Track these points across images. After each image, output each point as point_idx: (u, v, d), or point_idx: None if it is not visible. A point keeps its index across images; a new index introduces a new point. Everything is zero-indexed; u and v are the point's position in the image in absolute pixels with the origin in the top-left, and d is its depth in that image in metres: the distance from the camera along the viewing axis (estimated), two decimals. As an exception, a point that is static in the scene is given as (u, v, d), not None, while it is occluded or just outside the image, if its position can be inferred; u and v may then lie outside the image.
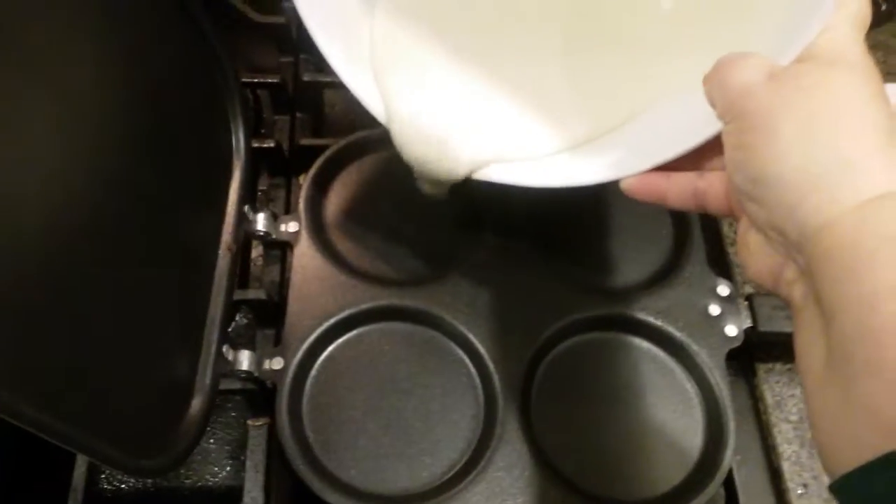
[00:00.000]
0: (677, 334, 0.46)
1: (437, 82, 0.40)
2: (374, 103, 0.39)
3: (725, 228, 0.53)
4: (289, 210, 0.54)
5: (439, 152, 0.38)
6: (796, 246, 0.25)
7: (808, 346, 0.25)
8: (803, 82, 0.26)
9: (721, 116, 0.29)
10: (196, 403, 0.40)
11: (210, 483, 0.48)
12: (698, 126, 0.32)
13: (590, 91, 0.40)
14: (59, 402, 0.29)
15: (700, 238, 0.49)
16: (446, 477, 0.42)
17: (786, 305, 0.28)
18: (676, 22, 0.39)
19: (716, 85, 0.29)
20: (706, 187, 0.32)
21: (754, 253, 0.28)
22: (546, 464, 0.42)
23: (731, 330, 0.46)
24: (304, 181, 0.50)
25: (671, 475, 0.43)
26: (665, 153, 0.34)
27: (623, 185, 0.34)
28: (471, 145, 0.38)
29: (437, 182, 0.39)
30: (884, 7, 0.58)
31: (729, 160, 0.28)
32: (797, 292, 0.26)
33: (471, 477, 0.41)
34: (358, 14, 0.41)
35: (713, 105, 0.29)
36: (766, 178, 0.26)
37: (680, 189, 0.33)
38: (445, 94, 0.39)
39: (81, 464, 0.44)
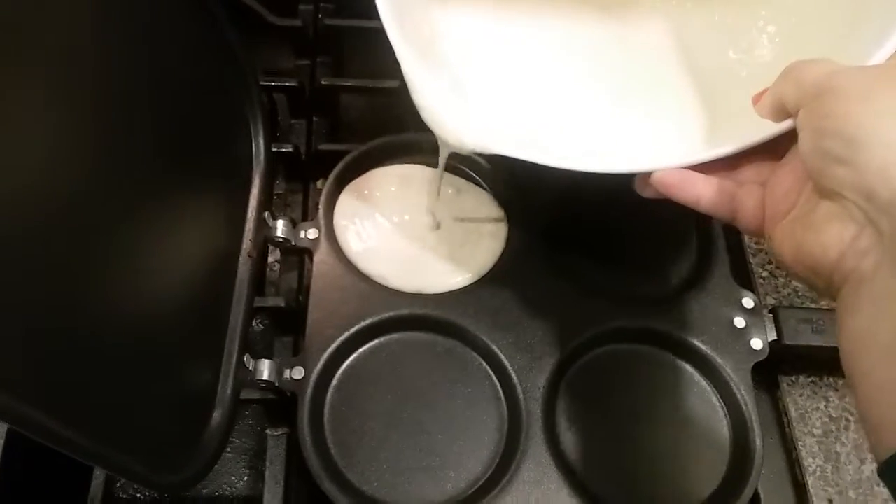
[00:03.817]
0: (702, 347, 0.45)
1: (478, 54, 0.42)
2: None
3: (747, 239, 0.52)
4: (305, 215, 0.53)
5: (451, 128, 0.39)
6: (885, 207, 0.25)
7: (875, 317, 0.25)
8: (890, 66, 0.28)
9: (797, 104, 0.29)
10: (217, 415, 0.40)
11: (227, 493, 0.47)
12: (741, 131, 0.32)
13: (632, 82, 0.41)
14: (82, 417, 0.29)
15: (724, 250, 0.49)
16: (470, 491, 0.42)
17: (830, 292, 0.28)
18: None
19: (791, 81, 0.29)
20: (744, 197, 0.32)
21: (820, 229, 0.28)
22: (572, 477, 0.42)
23: (757, 343, 0.45)
24: (324, 187, 0.50)
25: (698, 490, 0.42)
26: (706, 152, 0.33)
27: (655, 178, 0.34)
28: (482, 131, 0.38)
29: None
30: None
31: (814, 132, 0.28)
32: (868, 261, 0.26)
33: (495, 491, 0.41)
34: None
35: (783, 101, 0.30)
36: (861, 138, 0.26)
37: (716, 194, 0.33)
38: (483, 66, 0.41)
39: (99, 474, 0.44)
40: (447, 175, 0.51)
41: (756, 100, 0.32)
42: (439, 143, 0.40)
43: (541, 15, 0.44)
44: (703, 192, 0.33)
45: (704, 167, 0.34)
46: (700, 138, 0.38)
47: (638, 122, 0.40)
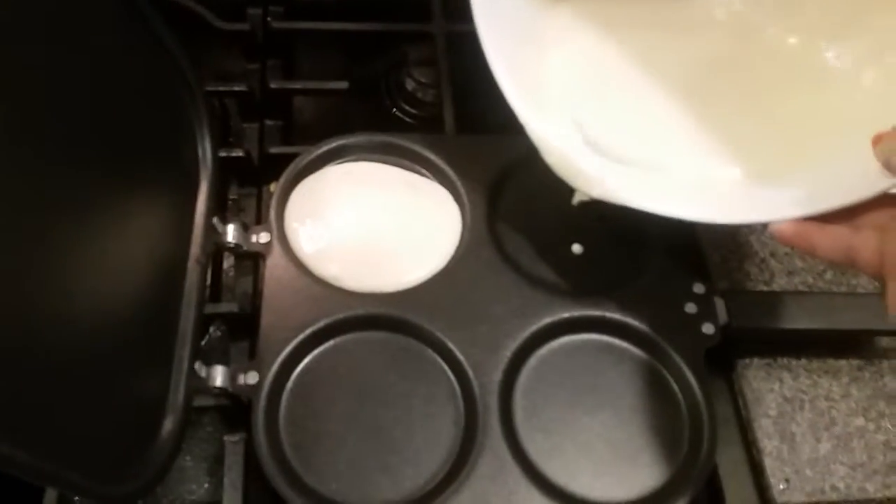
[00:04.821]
0: (655, 334, 0.46)
1: (613, 121, 0.44)
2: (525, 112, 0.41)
3: (698, 225, 0.53)
4: (260, 219, 0.53)
5: (578, 177, 0.41)
6: None
7: None
8: None
9: None
10: (168, 424, 0.39)
11: (188, 501, 0.47)
12: (861, 182, 0.33)
13: (752, 133, 0.42)
14: (20, 431, 0.28)
15: (675, 236, 0.49)
16: (429, 487, 0.42)
17: None
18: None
19: None
20: (860, 245, 0.33)
21: None
22: (530, 469, 0.42)
23: (708, 328, 0.46)
24: (275, 191, 0.49)
25: (657, 475, 0.43)
26: (822, 204, 0.34)
27: (772, 229, 0.35)
28: (606, 179, 0.40)
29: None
30: None
31: None
32: None
33: (454, 486, 0.41)
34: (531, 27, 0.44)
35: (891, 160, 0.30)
36: None
37: (832, 242, 0.34)
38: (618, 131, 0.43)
39: (52, 489, 0.43)
40: (401, 171, 0.52)
41: (876, 142, 0.32)
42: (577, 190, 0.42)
43: (656, 55, 0.45)
44: (818, 243, 0.34)
45: (822, 216, 0.35)
46: (816, 186, 0.38)
47: (757, 168, 0.41)
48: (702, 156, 0.42)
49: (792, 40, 0.43)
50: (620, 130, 0.43)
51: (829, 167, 0.38)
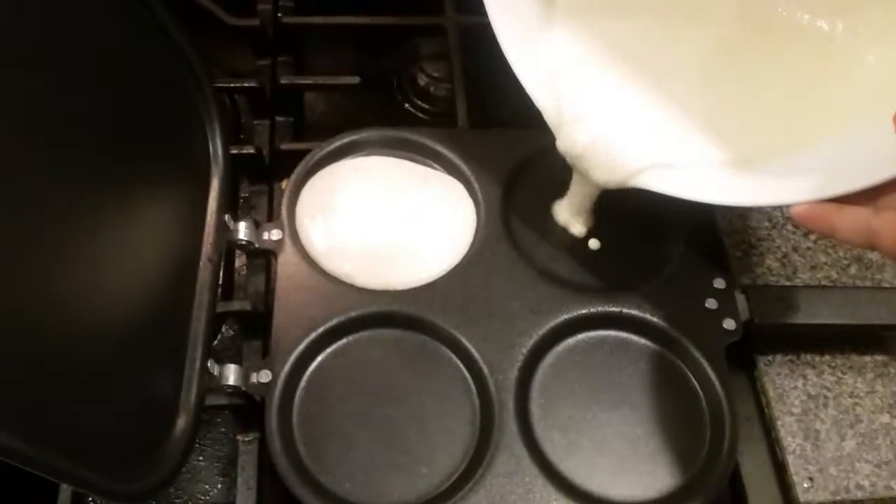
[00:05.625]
0: (675, 330, 0.45)
1: (608, 93, 0.43)
2: (543, 99, 0.41)
3: (720, 219, 0.52)
4: (272, 217, 0.52)
5: (603, 159, 0.41)
6: None
7: None
8: None
9: None
10: (181, 423, 0.39)
11: (201, 501, 0.47)
12: (882, 162, 0.32)
13: (764, 114, 0.41)
14: (34, 427, 0.28)
15: (695, 232, 0.48)
16: (444, 486, 0.41)
17: None
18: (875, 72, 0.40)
19: None
20: (880, 226, 0.32)
21: None
22: (547, 468, 0.41)
23: (730, 324, 0.45)
24: (286, 188, 0.49)
25: (677, 474, 0.42)
26: (842, 186, 0.33)
27: (793, 212, 0.35)
28: (634, 156, 0.40)
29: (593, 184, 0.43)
30: None
31: None
32: None
33: (469, 485, 0.40)
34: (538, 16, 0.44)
35: None
36: None
37: (852, 224, 0.33)
38: (614, 105, 0.42)
39: (66, 488, 0.43)
40: (414, 167, 0.51)
41: None
42: (587, 182, 0.42)
43: (664, 36, 0.44)
44: (837, 225, 0.33)
45: (843, 197, 0.34)
46: (835, 168, 0.37)
47: (773, 150, 0.40)
48: (715, 138, 0.41)
49: (805, 18, 0.42)
50: (631, 115, 0.42)
51: (849, 148, 0.36)
